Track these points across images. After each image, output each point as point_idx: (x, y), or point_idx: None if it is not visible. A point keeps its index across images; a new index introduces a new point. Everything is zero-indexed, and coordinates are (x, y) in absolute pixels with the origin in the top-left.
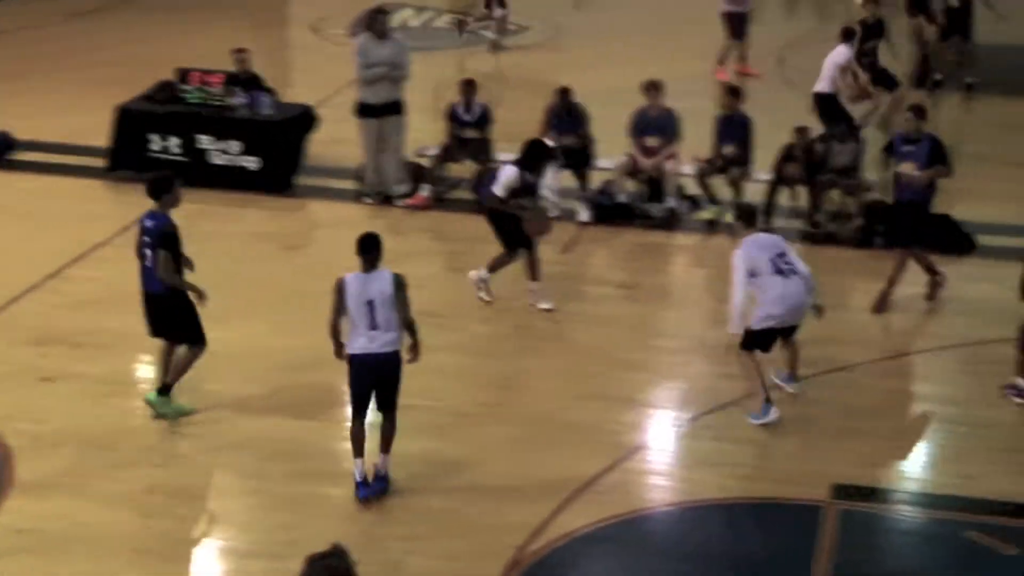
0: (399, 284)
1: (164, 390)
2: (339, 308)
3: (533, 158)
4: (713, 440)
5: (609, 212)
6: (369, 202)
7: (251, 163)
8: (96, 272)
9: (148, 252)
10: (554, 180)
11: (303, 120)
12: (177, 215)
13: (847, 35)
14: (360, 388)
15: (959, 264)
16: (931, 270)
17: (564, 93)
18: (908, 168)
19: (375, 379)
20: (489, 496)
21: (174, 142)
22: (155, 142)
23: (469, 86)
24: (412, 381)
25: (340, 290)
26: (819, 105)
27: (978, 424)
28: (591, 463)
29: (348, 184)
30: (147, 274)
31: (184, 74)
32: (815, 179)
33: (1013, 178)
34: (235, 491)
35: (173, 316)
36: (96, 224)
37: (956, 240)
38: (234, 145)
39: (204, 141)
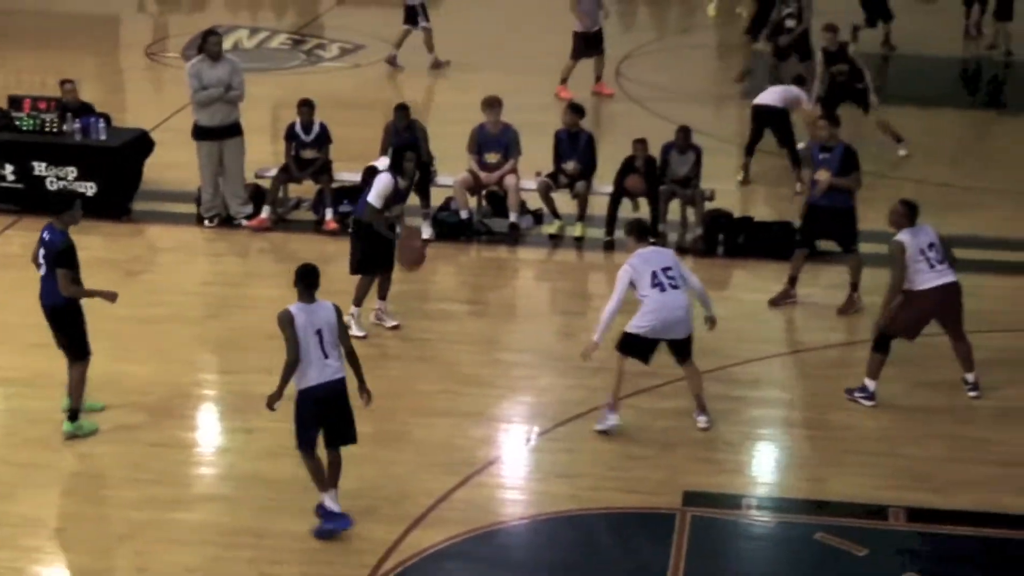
0: (340, 313)
1: (73, 416)
2: (296, 341)
3: (402, 162)
4: (565, 452)
5: (452, 229)
6: (209, 225)
7: (88, 189)
8: None
9: (43, 264)
10: None
11: (139, 145)
12: (13, 244)
13: (799, 81)
14: (315, 422)
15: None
16: (793, 280)
17: (402, 110)
18: (822, 175)
19: (329, 410)
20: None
21: (9, 169)
22: None
23: (307, 106)
24: (262, 404)
25: (291, 322)
26: (771, 119)
27: (823, 428)
28: (443, 480)
29: (188, 208)
30: (43, 286)
31: (16, 101)
32: (656, 190)
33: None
34: (83, 518)
35: (63, 329)
36: None
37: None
38: (70, 171)
39: (39, 168)
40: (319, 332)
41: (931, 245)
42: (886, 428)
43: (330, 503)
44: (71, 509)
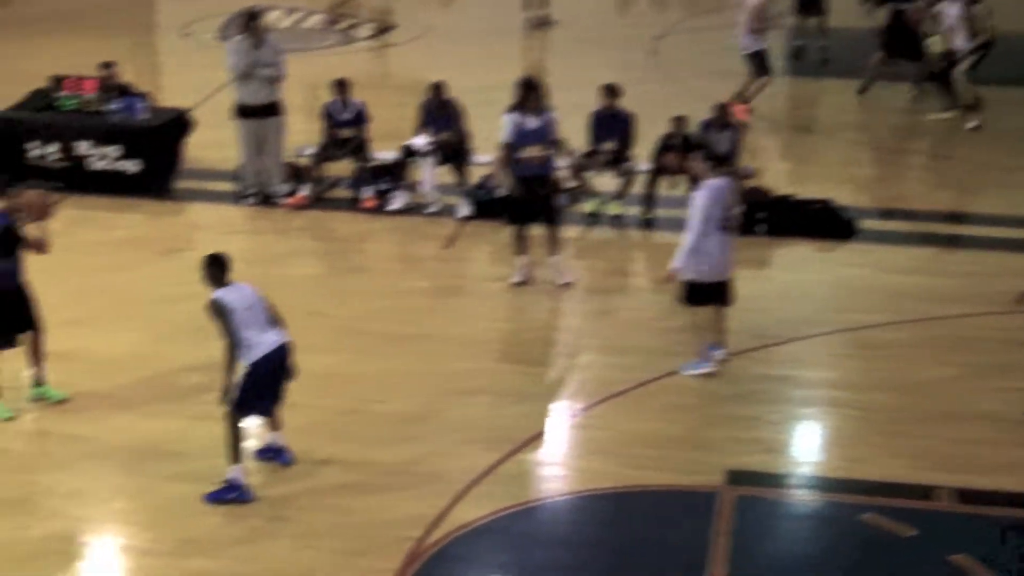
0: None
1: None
2: (233, 326)
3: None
4: (604, 429)
5: (489, 206)
6: (249, 203)
7: (130, 167)
8: None
9: None
10: (432, 176)
11: (179, 124)
12: (57, 222)
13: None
14: (272, 386)
15: (840, 250)
16: None
17: (438, 89)
18: None
19: (277, 376)
20: (382, 491)
21: (52, 149)
22: (32, 150)
23: (342, 85)
24: (301, 380)
25: (222, 308)
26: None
27: (863, 407)
28: (484, 456)
29: (228, 186)
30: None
31: (58, 81)
32: None
33: (884, 162)
34: (126, 491)
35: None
36: None
37: (837, 226)
38: (112, 150)
39: (82, 147)
40: (251, 307)
41: None
42: (928, 409)
43: (239, 474)
44: (115, 482)
